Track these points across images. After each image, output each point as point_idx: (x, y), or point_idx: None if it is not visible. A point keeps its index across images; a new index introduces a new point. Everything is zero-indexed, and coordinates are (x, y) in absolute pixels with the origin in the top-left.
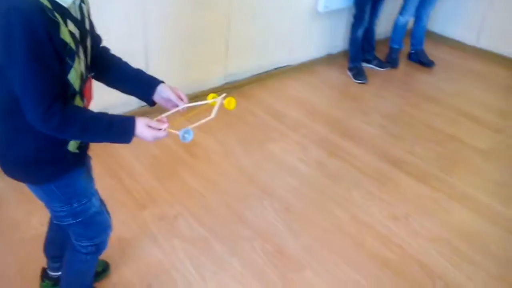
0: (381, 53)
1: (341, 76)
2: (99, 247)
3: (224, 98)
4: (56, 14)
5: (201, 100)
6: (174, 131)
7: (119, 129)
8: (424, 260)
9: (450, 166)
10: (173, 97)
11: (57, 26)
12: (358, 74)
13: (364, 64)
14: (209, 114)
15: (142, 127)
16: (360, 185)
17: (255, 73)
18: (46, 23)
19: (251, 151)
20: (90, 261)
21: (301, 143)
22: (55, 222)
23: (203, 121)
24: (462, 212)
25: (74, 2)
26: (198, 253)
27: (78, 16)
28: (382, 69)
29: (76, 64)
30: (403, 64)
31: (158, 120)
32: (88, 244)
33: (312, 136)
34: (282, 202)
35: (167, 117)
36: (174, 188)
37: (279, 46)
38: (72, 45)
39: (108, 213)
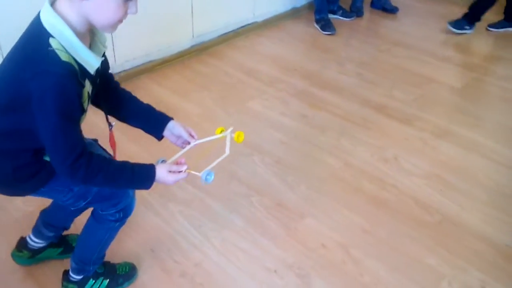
0: (345, 3)
1: (309, 29)
2: (126, 212)
3: (233, 132)
4: (82, 78)
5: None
6: (195, 173)
7: (141, 177)
8: (419, 197)
9: (430, 106)
10: (184, 135)
11: (82, 89)
12: (326, 25)
13: (330, 15)
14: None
15: (163, 174)
16: (347, 133)
17: (222, 32)
18: (76, 86)
19: (231, 110)
20: (117, 228)
21: (281, 98)
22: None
23: (219, 159)
24: (448, 148)
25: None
26: (197, 214)
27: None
28: (348, 19)
29: (81, 119)
30: (368, 12)
31: (177, 163)
32: (115, 211)
33: (291, 90)
34: (272, 156)
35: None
36: (158, 150)
37: (243, 3)
38: (86, 104)
39: None
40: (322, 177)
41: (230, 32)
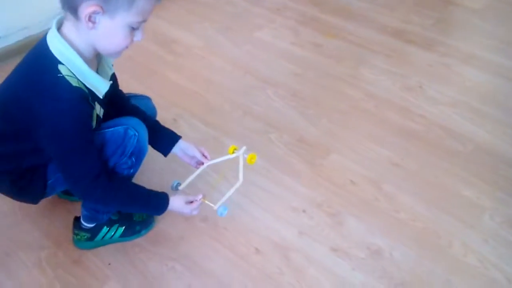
0: None
1: None
2: (139, 155)
3: (245, 152)
4: (92, 101)
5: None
6: (210, 204)
7: (154, 205)
8: (449, 126)
9: (450, 30)
10: (198, 155)
11: (92, 110)
12: None
13: None
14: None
15: (180, 205)
16: (366, 61)
17: None
18: (88, 109)
19: (238, 42)
20: (132, 174)
21: (290, 27)
22: None
23: (233, 189)
24: (474, 74)
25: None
26: (211, 154)
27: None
28: None
29: None
30: None
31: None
32: (127, 158)
33: (300, 18)
34: (287, 89)
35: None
36: (163, 90)
37: None
38: (93, 123)
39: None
40: (343, 109)
41: None
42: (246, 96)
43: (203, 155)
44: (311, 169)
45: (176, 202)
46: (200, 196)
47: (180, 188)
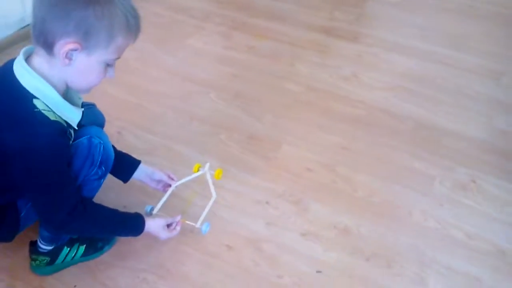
0: None
1: None
2: (107, 162)
3: (210, 168)
4: (69, 133)
5: None
6: (191, 223)
7: (131, 228)
8: (388, 108)
9: (373, 23)
10: (164, 178)
11: (69, 141)
12: None
13: None
14: None
15: (159, 228)
16: (300, 58)
17: None
18: (67, 142)
19: (172, 50)
20: (100, 185)
21: (221, 32)
22: None
23: (209, 205)
24: (402, 60)
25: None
26: (165, 162)
27: None
28: None
29: None
30: None
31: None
32: (97, 168)
33: (229, 23)
34: (229, 91)
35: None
36: (104, 105)
37: None
38: None
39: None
40: (287, 103)
41: None
42: (189, 102)
43: (170, 177)
44: (266, 163)
45: (154, 225)
46: (179, 218)
47: (154, 212)
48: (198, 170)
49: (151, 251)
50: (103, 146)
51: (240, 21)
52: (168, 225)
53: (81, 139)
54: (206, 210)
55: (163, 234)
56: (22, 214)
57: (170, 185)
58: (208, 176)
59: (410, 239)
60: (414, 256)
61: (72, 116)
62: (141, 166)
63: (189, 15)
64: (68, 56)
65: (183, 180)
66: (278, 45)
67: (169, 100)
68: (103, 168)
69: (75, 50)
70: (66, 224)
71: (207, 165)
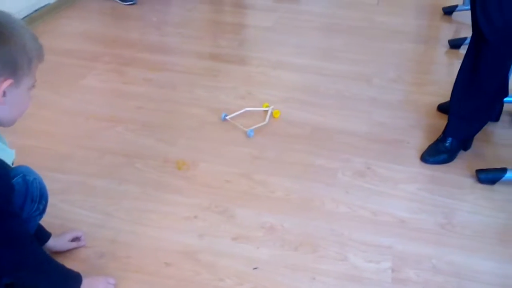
0: None
1: (107, 3)
2: (44, 196)
3: (273, 109)
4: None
5: None
6: (242, 127)
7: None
8: (286, 118)
9: (254, 46)
10: (69, 236)
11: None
12: None
13: None
14: None
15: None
16: (197, 84)
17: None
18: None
19: (68, 93)
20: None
21: (114, 69)
22: None
23: (259, 124)
24: (287, 75)
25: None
26: (83, 197)
27: None
28: None
29: None
30: None
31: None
32: (38, 203)
33: (120, 60)
34: (136, 123)
35: None
36: None
37: None
38: None
39: None
40: (194, 126)
41: (25, 17)
42: (96, 138)
43: (78, 237)
44: (187, 181)
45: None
46: (113, 281)
47: (227, 118)
48: (266, 106)
49: None
50: (38, 182)
51: (130, 58)
52: (74, 239)
53: (15, 179)
54: (255, 126)
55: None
56: None
57: (79, 239)
58: (269, 111)
59: (327, 225)
60: (334, 238)
61: (6, 157)
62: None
63: (76, 57)
64: (3, 95)
65: (255, 109)
66: (173, 75)
67: (75, 140)
68: (44, 202)
69: (10, 86)
70: (22, 262)
71: (272, 106)
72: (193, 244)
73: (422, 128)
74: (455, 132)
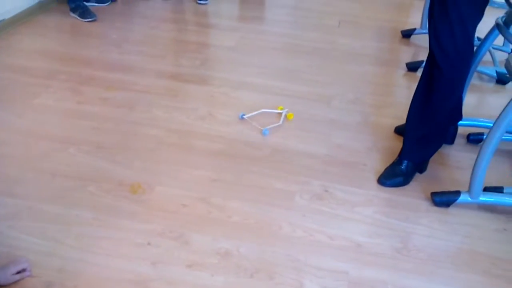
0: None
1: (67, 20)
2: None
3: (287, 112)
4: None
5: None
6: (257, 126)
7: None
8: (244, 139)
9: (217, 66)
10: (23, 265)
11: None
12: (85, 12)
13: (85, 3)
14: None
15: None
16: (156, 104)
17: None
18: None
19: (18, 112)
20: None
21: (70, 88)
22: None
23: (274, 125)
24: (249, 96)
25: None
26: (31, 223)
27: None
28: (103, 4)
29: None
30: None
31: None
32: None
33: (77, 79)
34: (90, 144)
35: None
36: None
37: None
38: None
39: None
40: (151, 148)
41: None
42: (48, 160)
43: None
44: (142, 206)
45: None
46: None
47: (245, 117)
48: (280, 109)
49: None
50: None
51: (87, 76)
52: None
53: None
54: (271, 126)
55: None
56: None
57: (25, 270)
58: (284, 113)
59: (284, 250)
60: (291, 264)
61: None
62: None
63: (31, 75)
64: None
65: (271, 110)
66: (131, 95)
67: (26, 162)
68: None
69: None
70: None
71: (287, 109)
72: (145, 272)
73: (379, 151)
74: (410, 155)
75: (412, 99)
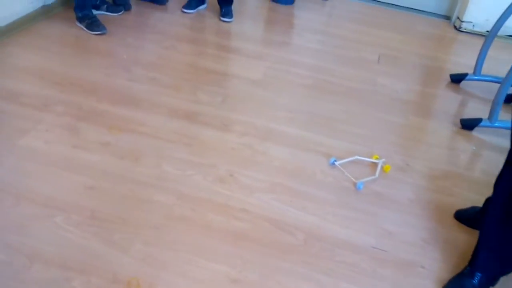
0: None
1: (72, 30)
2: None
3: (384, 163)
4: None
5: None
6: (352, 178)
7: None
8: (272, 215)
9: (240, 106)
10: None
11: None
12: (93, 24)
13: (94, 11)
14: None
15: None
16: (166, 155)
17: None
18: None
19: None
20: None
21: (66, 125)
22: None
23: (369, 178)
24: (276, 150)
25: None
26: None
27: None
28: (116, 14)
29: None
30: (135, 5)
31: None
32: None
33: (76, 112)
34: (81, 211)
35: None
36: None
37: None
38: None
39: None
40: (157, 223)
41: None
42: (26, 234)
43: None
44: None
45: None
46: None
47: (336, 163)
48: (376, 158)
49: None
50: None
51: (88, 109)
52: None
53: None
54: (365, 179)
55: None
56: None
57: None
58: (379, 165)
59: None
60: None
61: None
62: None
63: (20, 104)
64: None
65: (366, 159)
66: (138, 139)
67: None
68: None
69: None
70: None
71: (383, 159)
72: None
73: (438, 245)
74: (486, 267)
75: (490, 204)
